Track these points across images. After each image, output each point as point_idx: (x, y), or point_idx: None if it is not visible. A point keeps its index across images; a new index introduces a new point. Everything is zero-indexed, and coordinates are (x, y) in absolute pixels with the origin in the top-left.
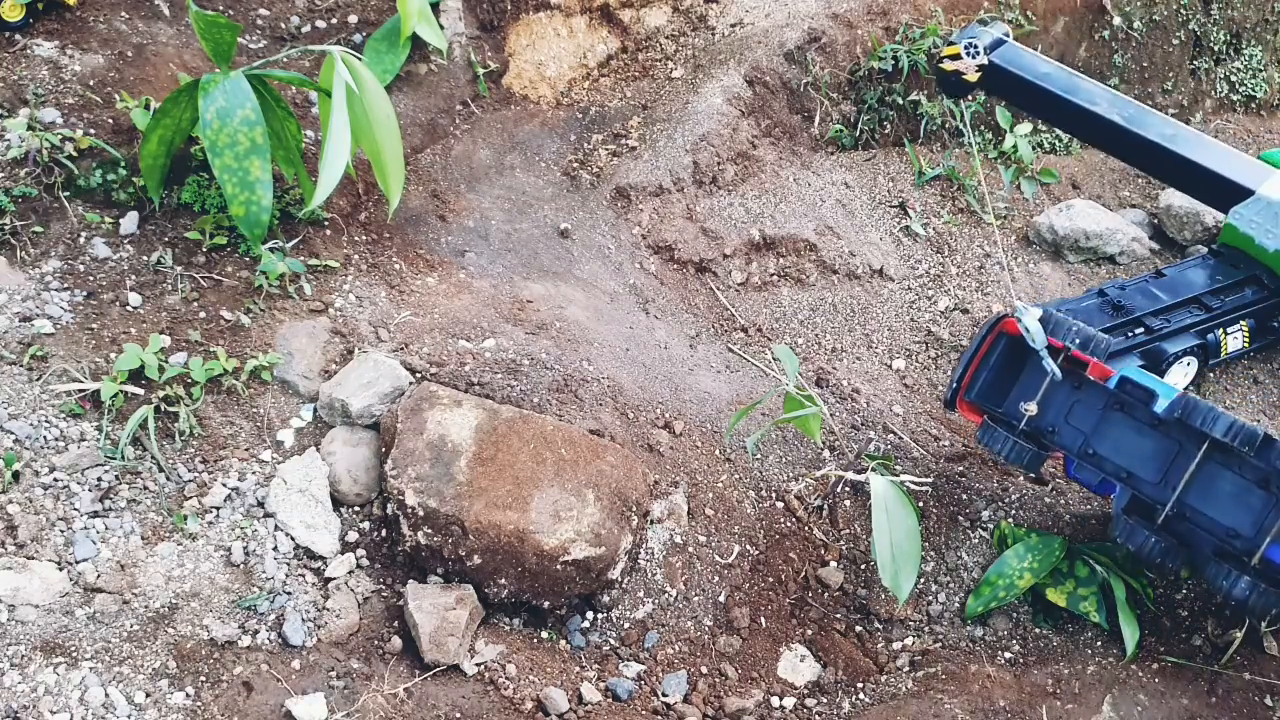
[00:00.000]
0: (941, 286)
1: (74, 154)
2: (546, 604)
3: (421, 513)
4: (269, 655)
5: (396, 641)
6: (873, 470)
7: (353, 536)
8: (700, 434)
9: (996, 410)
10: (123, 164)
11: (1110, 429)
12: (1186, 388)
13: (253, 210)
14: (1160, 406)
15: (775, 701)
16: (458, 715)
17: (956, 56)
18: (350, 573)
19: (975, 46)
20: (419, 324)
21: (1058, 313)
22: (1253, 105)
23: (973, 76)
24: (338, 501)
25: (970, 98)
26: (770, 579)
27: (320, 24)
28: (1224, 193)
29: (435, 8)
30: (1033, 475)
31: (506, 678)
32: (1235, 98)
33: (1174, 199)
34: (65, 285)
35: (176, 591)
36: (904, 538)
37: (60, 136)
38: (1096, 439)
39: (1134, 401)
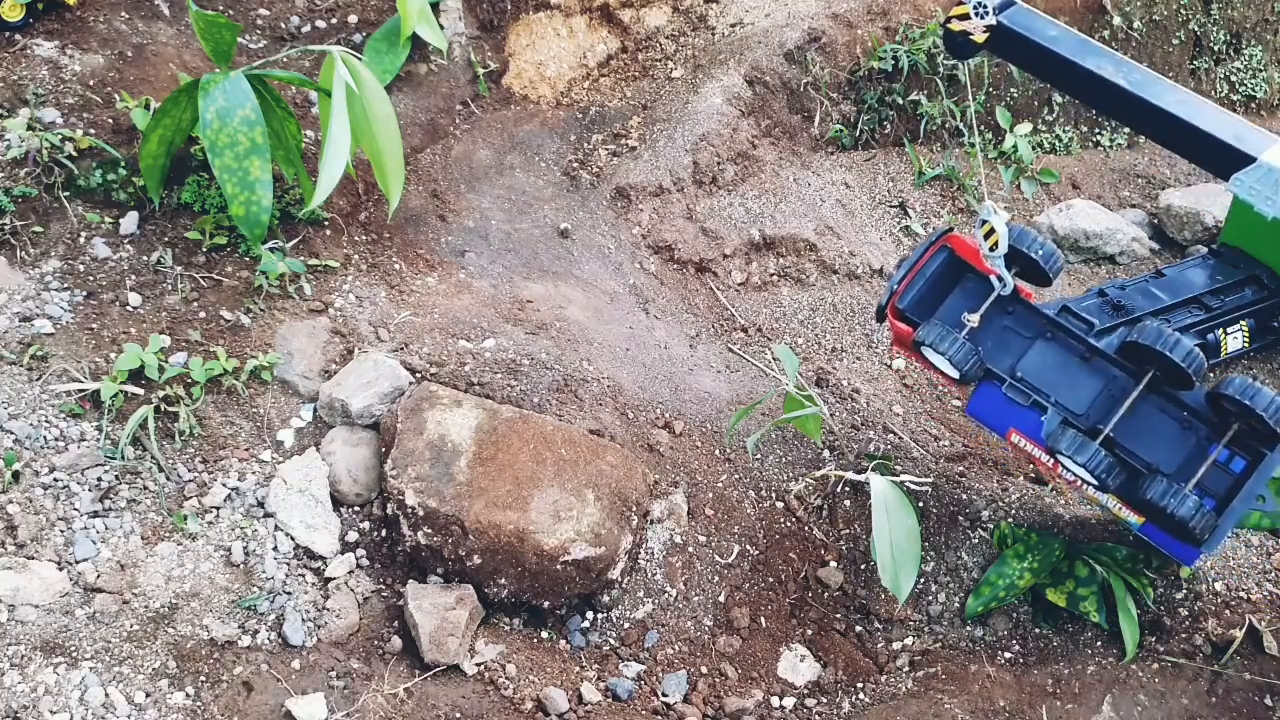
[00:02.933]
0: None
1: (74, 154)
2: (546, 604)
3: (421, 513)
4: (269, 655)
5: (396, 641)
6: (873, 470)
7: (353, 536)
8: (700, 434)
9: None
10: (123, 164)
11: (1041, 355)
12: None
13: (253, 210)
14: (1104, 336)
15: (775, 701)
16: (458, 715)
17: (965, 17)
18: (350, 573)
19: (985, 7)
20: (419, 324)
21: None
22: (1253, 105)
23: (980, 37)
24: (338, 501)
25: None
26: (770, 579)
27: (320, 24)
28: (1226, 159)
29: (435, 8)
30: (964, 385)
31: (506, 678)
32: (1235, 98)
33: (1174, 199)
34: (65, 285)
35: (176, 591)
36: (904, 538)
37: (60, 136)
38: (1025, 364)
39: (1070, 330)
